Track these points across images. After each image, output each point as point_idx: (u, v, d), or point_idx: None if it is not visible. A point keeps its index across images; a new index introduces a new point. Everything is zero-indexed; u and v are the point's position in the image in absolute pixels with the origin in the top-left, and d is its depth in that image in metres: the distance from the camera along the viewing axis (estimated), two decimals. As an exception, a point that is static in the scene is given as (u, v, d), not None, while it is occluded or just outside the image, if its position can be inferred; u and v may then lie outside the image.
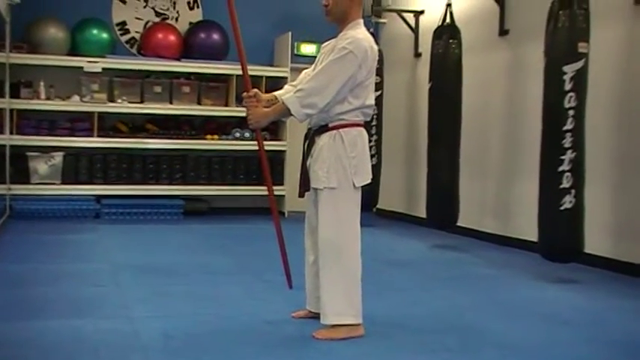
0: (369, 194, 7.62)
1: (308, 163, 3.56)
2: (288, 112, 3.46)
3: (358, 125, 3.53)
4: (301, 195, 3.64)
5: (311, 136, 3.58)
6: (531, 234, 5.58)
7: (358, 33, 3.48)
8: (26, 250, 5.84)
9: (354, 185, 3.48)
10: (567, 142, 4.98)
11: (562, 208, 5.00)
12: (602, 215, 5.47)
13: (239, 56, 3.68)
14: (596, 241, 5.36)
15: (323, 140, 3.50)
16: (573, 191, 4.99)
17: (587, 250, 5.17)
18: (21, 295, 4.23)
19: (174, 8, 8.94)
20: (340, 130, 3.48)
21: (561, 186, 4.99)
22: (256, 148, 3.82)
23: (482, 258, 6.08)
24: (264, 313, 3.88)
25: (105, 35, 8.31)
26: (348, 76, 3.39)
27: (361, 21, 3.57)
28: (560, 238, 5.09)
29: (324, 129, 3.50)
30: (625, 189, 5.41)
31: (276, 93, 3.74)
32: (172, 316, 3.82)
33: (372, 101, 3.56)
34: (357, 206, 3.53)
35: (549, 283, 5.03)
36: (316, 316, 3.62)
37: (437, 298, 4.49)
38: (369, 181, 3.55)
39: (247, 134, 8.40)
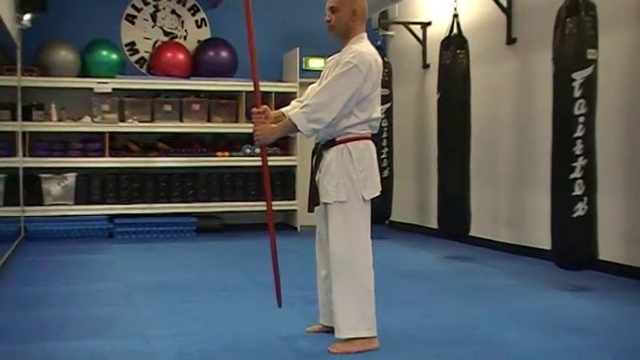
0: (382, 207, 7.64)
1: (317, 178, 3.56)
2: (294, 128, 3.46)
3: (365, 138, 3.53)
4: (311, 210, 3.64)
5: (319, 150, 3.58)
6: (544, 242, 5.56)
7: (362, 47, 3.49)
8: (40, 271, 5.87)
9: (363, 199, 3.48)
10: (578, 149, 4.95)
11: (575, 215, 4.97)
12: (616, 221, 5.44)
13: (252, 73, 3.65)
14: (609, 247, 5.33)
15: (331, 154, 3.50)
16: (586, 198, 4.96)
17: (601, 257, 5.13)
18: (35, 317, 4.25)
19: (182, 27, 9.01)
20: (348, 143, 3.48)
21: (573, 193, 4.96)
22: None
23: (495, 268, 6.05)
24: (279, 329, 3.88)
25: (114, 56, 8.38)
26: (354, 90, 3.40)
27: (365, 35, 3.58)
28: (573, 246, 5.05)
29: (331, 143, 3.51)
30: (638, 194, 5.37)
31: (282, 109, 3.74)
32: (187, 333, 3.82)
33: (378, 114, 3.56)
34: (367, 219, 3.52)
35: (564, 292, 5.00)
36: (330, 330, 3.61)
37: (451, 310, 4.47)
38: (378, 193, 3.55)
39: (258, 150, 8.39)
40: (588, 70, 4.94)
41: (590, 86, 4.95)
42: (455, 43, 6.71)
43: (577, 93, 4.94)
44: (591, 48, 4.96)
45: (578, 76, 4.93)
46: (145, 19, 8.88)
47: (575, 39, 4.98)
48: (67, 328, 3.99)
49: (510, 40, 6.83)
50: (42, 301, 4.69)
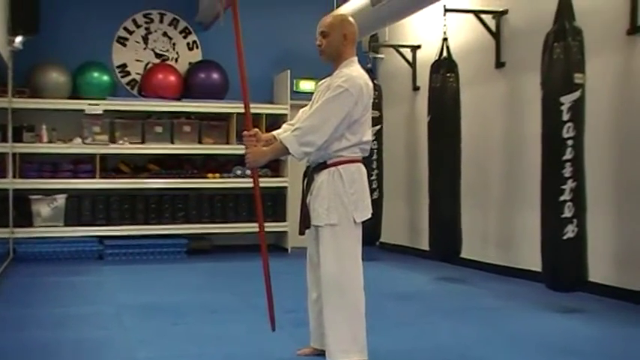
0: (372, 228, 7.63)
1: (308, 201, 3.58)
2: (286, 151, 3.48)
3: (356, 161, 3.56)
4: (302, 233, 3.65)
5: (310, 173, 3.60)
6: (535, 264, 5.58)
7: (353, 71, 3.53)
8: (30, 293, 5.84)
9: (354, 221, 3.49)
10: (567, 171, 4.99)
11: (565, 237, 4.99)
12: (606, 243, 5.47)
13: (243, 95, 3.69)
14: (600, 269, 5.35)
15: (322, 177, 3.52)
16: (575, 220, 4.99)
17: (592, 278, 5.15)
18: (25, 340, 4.22)
19: (173, 49, 9.05)
20: (339, 166, 3.50)
21: (563, 215, 4.99)
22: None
23: (486, 289, 6.06)
24: (270, 351, 3.87)
25: (105, 78, 8.40)
26: (345, 114, 3.43)
27: (355, 59, 3.62)
28: (563, 268, 5.08)
29: (322, 166, 3.53)
30: (627, 216, 5.41)
31: (274, 132, 3.76)
32: (177, 356, 3.81)
33: (369, 137, 3.59)
34: (358, 242, 3.53)
35: (554, 313, 5.01)
36: (321, 353, 3.60)
37: (442, 331, 4.48)
38: (369, 216, 3.56)
39: (249, 172, 8.41)
40: (576, 94, 4.99)
41: (578, 110, 5.00)
42: (445, 66, 6.78)
43: (565, 116, 4.98)
44: (578, 72, 5.02)
45: (566, 100, 4.98)
46: (137, 42, 8.91)
47: (562, 63, 5.04)
48: (56, 351, 3.96)
49: (499, 64, 6.90)
50: (32, 324, 4.66)
